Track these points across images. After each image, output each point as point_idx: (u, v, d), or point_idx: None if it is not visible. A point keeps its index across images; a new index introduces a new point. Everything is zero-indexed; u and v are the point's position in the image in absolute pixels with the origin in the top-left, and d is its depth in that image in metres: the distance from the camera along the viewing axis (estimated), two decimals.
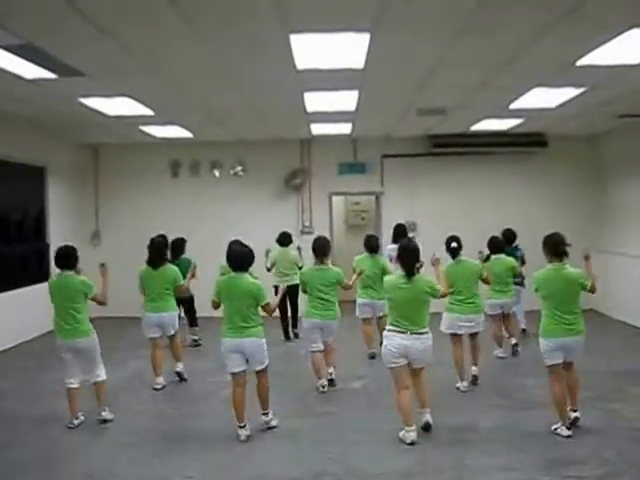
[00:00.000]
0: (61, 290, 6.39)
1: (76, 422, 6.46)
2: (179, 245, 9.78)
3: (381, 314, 8.78)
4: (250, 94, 8.49)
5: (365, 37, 5.92)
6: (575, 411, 6.19)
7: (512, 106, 9.36)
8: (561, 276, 5.99)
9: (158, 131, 11.30)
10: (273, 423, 6.38)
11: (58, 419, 6.60)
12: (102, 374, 6.58)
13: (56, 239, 11.81)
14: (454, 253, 7.68)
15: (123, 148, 12.81)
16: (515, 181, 12.98)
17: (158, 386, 7.80)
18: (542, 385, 6.72)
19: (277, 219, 12.35)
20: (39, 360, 9.21)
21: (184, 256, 9.65)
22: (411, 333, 5.87)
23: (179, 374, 8.11)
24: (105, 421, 6.58)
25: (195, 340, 10.18)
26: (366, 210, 14.88)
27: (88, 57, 6.53)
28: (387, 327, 6.04)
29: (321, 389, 7.55)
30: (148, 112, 9.43)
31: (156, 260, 7.82)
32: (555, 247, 6.04)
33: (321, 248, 7.64)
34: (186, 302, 9.78)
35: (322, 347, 7.64)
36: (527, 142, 12.33)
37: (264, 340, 6.21)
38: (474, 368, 7.77)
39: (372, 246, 9.13)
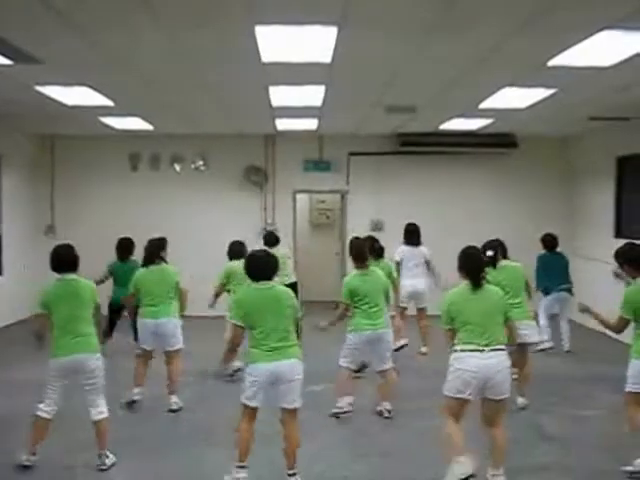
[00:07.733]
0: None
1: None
2: (127, 246, 9.16)
3: None
4: (214, 86, 8.21)
5: (333, 30, 5.72)
6: None
7: (482, 105, 9.22)
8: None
9: (117, 122, 10.91)
10: None
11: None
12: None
13: (9, 231, 11.46)
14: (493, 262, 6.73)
15: (81, 139, 12.35)
16: (484, 182, 12.83)
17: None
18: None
19: (239, 217, 12.05)
20: None
21: (133, 258, 8.98)
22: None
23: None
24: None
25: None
26: (331, 209, 14.61)
27: (47, 45, 6.22)
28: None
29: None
30: (108, 103, 9.08)
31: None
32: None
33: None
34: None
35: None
36: (497, 143, 12.21)
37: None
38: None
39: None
